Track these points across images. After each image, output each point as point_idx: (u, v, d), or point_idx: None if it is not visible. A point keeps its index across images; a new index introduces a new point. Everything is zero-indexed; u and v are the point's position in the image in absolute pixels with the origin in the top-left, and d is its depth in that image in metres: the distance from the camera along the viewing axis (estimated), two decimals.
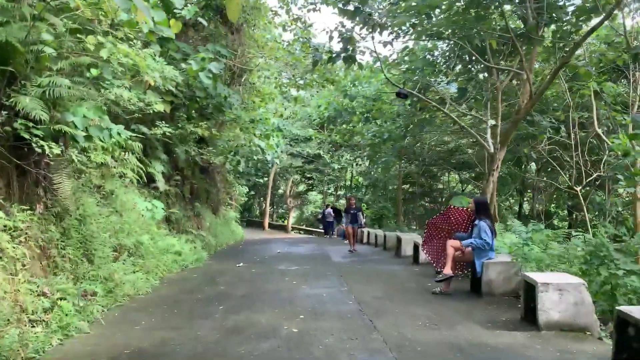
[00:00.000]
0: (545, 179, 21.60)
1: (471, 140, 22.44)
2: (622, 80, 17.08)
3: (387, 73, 18.27)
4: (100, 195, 8.71)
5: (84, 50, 6.63)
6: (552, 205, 25.23)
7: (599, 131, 15.31)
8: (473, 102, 15.40)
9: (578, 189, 16.08)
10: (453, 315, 5.79)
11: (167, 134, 11.74)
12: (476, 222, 6.80)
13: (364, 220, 14.82)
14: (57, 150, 6.03)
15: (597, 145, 17.21)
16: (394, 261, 11.29)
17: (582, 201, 16.20)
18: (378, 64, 16.92)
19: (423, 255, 10.00)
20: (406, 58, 16.28)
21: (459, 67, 17.27)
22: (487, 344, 4.75)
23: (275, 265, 11.09)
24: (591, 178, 16.40)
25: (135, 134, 10.58)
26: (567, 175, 16.52)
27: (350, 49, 12.98)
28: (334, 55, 12.66)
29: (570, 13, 13.98)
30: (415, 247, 10.44)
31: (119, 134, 8.06)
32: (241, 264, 11.28)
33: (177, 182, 13.97)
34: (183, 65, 9.73)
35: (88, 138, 6.68)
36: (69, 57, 6.56)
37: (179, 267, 10.45)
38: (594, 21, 14.77)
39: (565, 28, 14.03)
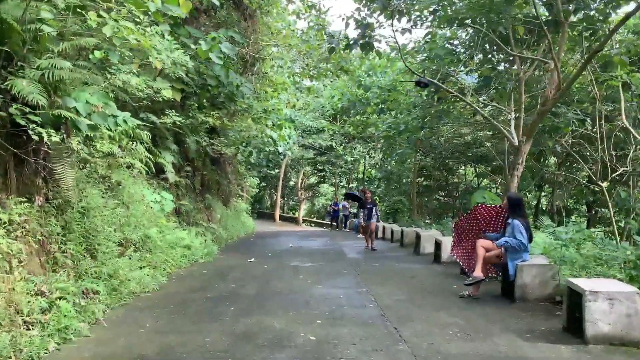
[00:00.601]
0: (566, 173, 20.90)
1: (489, 132, 21.80)
2: None
3: (405, 62, 17.69)
4: (106, 186, 8.28)
5: (88, 30, 6.16)
6: (570, 201, 24.53)
7: (627, 124, 14.66)
8: (493, 93, 14.74)
9: (603, 184, 15.46)
10: (486, 323, 5.28)
11: (178, 123, 11.33)
12: (509, 220, 6.26)
13: (378, 214, 13.73)
14: (56, 138, 5.58)
15: (624, 139, 16.53)
16: (413, 259, 10.77)
17: (607, 197, 15.57)
18: (395, 52, 16.32)
19: (445, 255, 9.49)
20: (425, 46, 15.66)
21: (479, 56, 16.63)
22: (529, 358, 4.25)
23: (288, 260, 10.63)
24: (617, 173, 15.76)
25: (143, 123, 10.19)
26: (592, 170, 15.87)
27: (368, 35, 12.40)
28: (351, 42, 12.08)
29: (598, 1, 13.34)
30: (437, 245, 9.90)
31: (125, 121, 7.60)
32: (252, 259, 10.84)
33: (187, 173, 13.54)
34: (193, 46, 9.20)
35: (91, 126, 6.21)
36: (72, 38, 6.11)
37: (189, 262, 10.03)
38: (625, 8, 14.12)
39: (592, 14, 13.35)
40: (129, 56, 8.07)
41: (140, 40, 5.81)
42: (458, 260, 7.27)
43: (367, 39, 12.51)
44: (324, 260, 10.65)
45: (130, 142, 9.53)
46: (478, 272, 6.23)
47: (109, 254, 6.98)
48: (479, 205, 7.22)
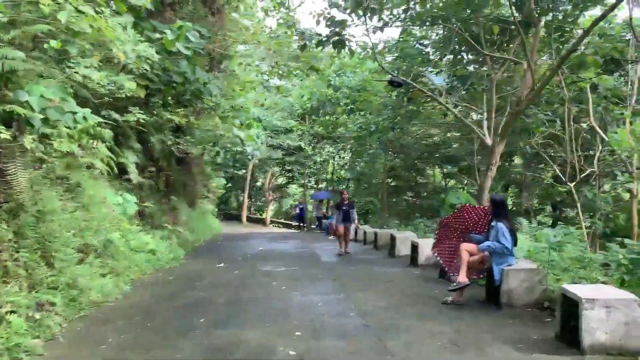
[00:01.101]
0: (533, 174, 21.09)
1: (457, 133, 21.83)
2: (615, 74, 16.61)
3: (376, 61, 17.47)
4: (64, 188, 7.69)
5: (44, 18, 5.63)
6: (535, 201, 24.80)
7: (594, 124, 14.78)
8: (464, 94, 14.68)
9: (572, 184, 15.57)
10: (475, 332, 5.00)
11: (141, 121, 10.79)
12: (493, 223, 6.01)
13: (356, 217, 12.69)
14: (6, 135, 5.06)
15: (590, 140, 16.73)
16: (389, 262, 10.48)
17: (576, 197, 15.70)
18: (365, 52, 16.09)
19: (423, 257, 9.23)
20: (397, 45, 15.46)
21: (449, 57, 16.57)
22: None
23: (260, 265, 10.19)
24: (585, 174, 15.91)
25: (105, 121, 9.61)
26: (561, 170, 15.96)
27: (340, 33, 12.10)
28: (323, 39, 11.75)
29: (566, 1, 13.37)
30: (413, 247, 9.63)
31: (85, 118, 7.06)
32: (222, 264, 10.36)
33: (151, 173, 12.96)
34: (158, 35, 8.69)
35: (47, 122, 5.69)
36: (24, 26, 5.57)
37: (154, 268, 9.50)
38: (592, 12, 14.23)
39: (561, 17, 13.40)
40: (89, 49, 7.55)
41: (102, 28, 5.28)
42: (439, 259, 7.00)
43: (339, 36, 12.21)
44: (298, 264, 10.26)
45: (91, 141, 8.98)
46: (462, 278, 5.96)
47: (67, 261, 6.43)
48: (467, 204, 6.96)
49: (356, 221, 12.72)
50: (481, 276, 6.51)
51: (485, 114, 13.15)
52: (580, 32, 14.89)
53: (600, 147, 16.12)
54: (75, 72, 7.33)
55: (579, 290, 4.46)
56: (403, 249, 10.78)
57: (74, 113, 7.15)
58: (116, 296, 6.96)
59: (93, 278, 6.94)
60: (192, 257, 11.80)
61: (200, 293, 7.22)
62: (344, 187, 31.41)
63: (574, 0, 13.15)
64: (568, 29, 14.28)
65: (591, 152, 16.51)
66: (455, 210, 7.08)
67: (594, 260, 6.96)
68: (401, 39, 15.17)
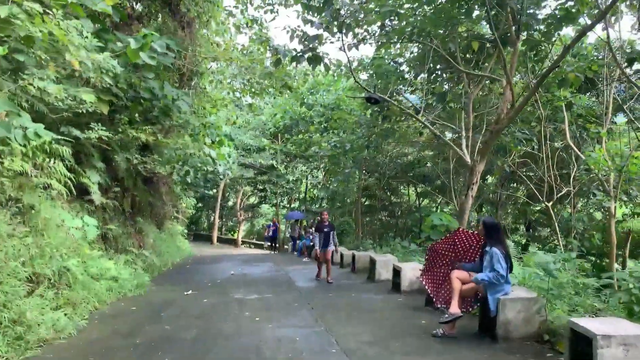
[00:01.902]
0: (508, 192, 20.98)
1: (430, 152, 21.62)
2: (588, 94, 16.66)
3: (352, 78, 17.15)
4: (15, 210, 6.98)
5: None
6: (509, 220, 24.72)
7: (571, 143, 14.69)
8: (441, 112, 14.42)
9: (549, 204, 15.40)
10: None
11: (105, 138, 10.12)
12: (487, 248, 5.56)
13: (337, 241, 11.61)
14: None
15: (564, 159, 16.67)
16: (369, 288, 9.88)
17: (553, 216, 15.53)
18: (342, 68, 15.73)
19: (406, 283, 8.69)
20: (374, 62, 15.15)
21: (422, 76, 16.38)
22: None
23: (231, 292, 9.53)
24: (562, 193, 15.78)
25: (64, 138, 8.96)
26: (537, 189, 15.80)
27: (315, 48, 11.70)
28: (298, 54, 11.31)
29: (542, 21, 13.31)
30: (396, 272, 9.10)
31: (37, 134, 6.42)
32: (190, 291, 9.66)
33: (116, 194, 12.23)
34: (120, 44, 8.10)
35: None
36: None
37: (115, 297, 8.77)
38: (566, 30, 14.23)
39: (536, 35, 13.31)
40: (45, 59, 6.93)
41: (53, 32, 4.69)
42: (427, 288, 6.48)
43: (314, 52, 11.81)
44: (272, 290, 9.63)
45: (48, 160, 8.30)
46: (455, 309, 5.46)
47: (13, 293, 5.73)
48: (460, 229, 6.44)
49: (337, 244, 11.69)
50: (475, 307, 6.01)
51: (463, 133, 12.85)
52: (554, 50, 14.93)
53: (575, 166, 16.08)
54: (30, 84, 6.69)
55: (592, 325, 4.01)
56: (384, 273, 10.26)
57: (25, 128, 6.51)
58: (70, 331, 6.24)
59: (44, 312, 6.22)
60: (159, 283, 11.06)
61: (165, 327, 6.55)
62: (317, 206, 30.87)
63: (548, 20, 13.09)
64: (543, 47, 14.23)
65: (564, 172, 16.46)
66: (447, 235, 6.59)
67: (587, 285, 6.58)
68: (376, 56, 14.87)
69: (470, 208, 20.49)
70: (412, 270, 8.73)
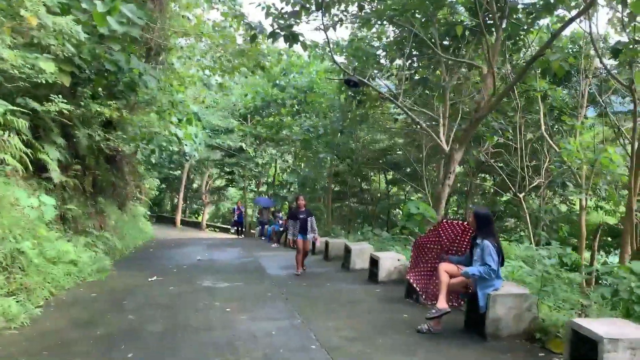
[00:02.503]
0: (478, 182, 21.03)
1: (401, 140, 21.41)
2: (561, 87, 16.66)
3: (326, 61, 16.69)
4: None
5: None
6: None
7: (545, 134, 14.65)
8: (418, 98, 14.12)
9: (521, 195, 15.38)
10: None
11: (65, 112, 9.41)
12: (478, 241, 5.24)
13: (316, 227, 10.31)
14: None
15: (538, 151, 16.68)
16: (344, 277, 9.45)
17: (525, 208, 15.53)
18: (317, 50, 15.24)
19: (383, 273, 8.36)
20: (351, 44, 14.71)
21: (398, 62, 16.05)
22: None
23: (199, 279, 9.03)
24: (534, 184, 15.79)
25: (20, 109, 8.29)
26: (510, 181, 15.77)
27: (293, 25, 11.19)
28: (276, 30, 10.77)
29: (520, 10, 13.13)
30: (373, 261, 8.72)
31: None
32: (154, 277, 9.12)
33: (76, 172, 11.47)
34: (84, 6, 7.43)
35: None
36: None
37: (74, 282, 8.18)
38: (544, 21, 14.08)
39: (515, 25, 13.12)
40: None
41: None
42: (415, 286, 6.15)
43: (291, 30, 11.31)
44: (243, 278, 9.17)
45: (2, 132, 7.64)
46: (442, 304, 5.14)
47: None
48: (445, 220, 6.10)
49: (316, 233, 10.30)
50: (462, 302, 5.72)
51: (440, 120, 12.58)
52: (531, 40, 14.80)
53: (547, 158, 16.10)
54: None
55: (596, 327, 3.73)
56: (359, 262, 9.91)
57: None
58: (23, 320, 5.67)
59: None
60: (121, 268, 10.46)
61: (129, 317, 6.04)
62: (285, 191, 30.36)
63: (527, 9, 12.91)
64: (521, 37, 14.08)
65: (535, 163, 16.48)
66: (431, 228, 6.25)
67: (572, 280, 6.38)
68: (355, 38, 14.43)
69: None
70: (390, 260, 8.42)
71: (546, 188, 16.72)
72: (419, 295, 6.55)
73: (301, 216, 10.11)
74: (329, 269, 10.60)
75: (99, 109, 11.16)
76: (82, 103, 11.03)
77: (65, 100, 9.45)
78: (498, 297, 5.04)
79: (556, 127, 16.88)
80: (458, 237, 5.92)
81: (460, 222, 5.91)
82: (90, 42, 10.12)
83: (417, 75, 13.46)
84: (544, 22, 14.31)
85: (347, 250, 10.25)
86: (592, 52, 13.87)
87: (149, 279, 8.96)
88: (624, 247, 11.55)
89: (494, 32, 11.94)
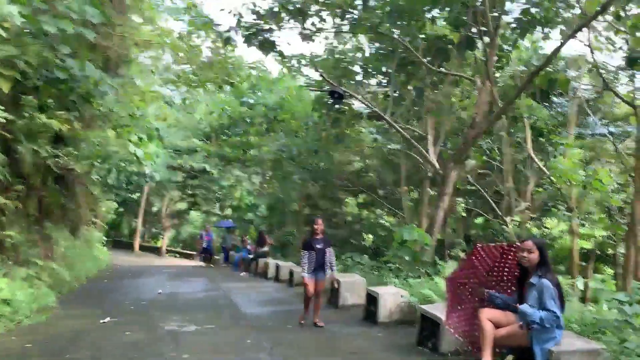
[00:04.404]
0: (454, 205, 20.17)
1: (375, 161, 20.45)
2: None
3: (299, 77, 15.68)
4: None
5: None
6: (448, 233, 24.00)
7: (532, 154, 13.89)
8: (405, 114, 13.17)
9: (508, 219, 14.54)
10: None
11: (3, 120, 8.00)
12: (534, 280, 4.11)
13: (334, 262, 7.66)
14: None
15: (521, 172, 15.96)
16: (335, 317, 7.98)
17: (511, 231, 14.63)
18: (293, 62, 14.15)
19: (384, 312, 7.08)
20: (333, 55, 13.70)
21: (373, 80, 15.21)
22: None
23: (160, 320, 7.59)
24: (521, 207, 14.98)
25: None
26: (496, 204, 14.92)
27: (270, 31, 10.09)
28: (251, 31, 9.64)
29: (505, 25, 12.47)
30: (371, 298, 7.41)
31: None
32: (107, 319, 7.62)
33: (18, 193, 9.90)
34: None
35: None
36: None
37: (4, 327, 6.65)
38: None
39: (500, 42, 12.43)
40: None
41: None
42: (458, 336, 4.86)
43: (268, 35, 10.21)
44: (213, 319, 7.74)
45: None
46: None
47: None
48: (478, 246, 4.83)
49: (334, 269, 7.64)
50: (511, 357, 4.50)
51: (430, 138, 11.61)
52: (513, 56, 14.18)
53: (532, 180, 15.36)
54: None
55: None
56: (349, 298, 8.63)
57: None
58: None
59: None
60: (68, 305, 8.90)
61: None
62: (252, 214, 28.78)
63: (513, 24, 12.26)
64: (506, 52, 13.43)
65: (517, 186, 15.74)
66: (463, 259, 5.06)
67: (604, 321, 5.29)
68: (334, 49, 13.44)
69: (415, 221, 19.49)
70: (391, 297, 7.18)
71: (534, 211, 15.96)
72: (436, 342, 5.36)
73: (318, 246, 7.34)
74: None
75: (46, 120, 9.73)
76: (27, 113, 9.60)
77: (4, 110, 8.07)
78: (563, 355, 3.88)
79: (537, 147, 16.23)
80: (497, 263, 4.72)
81: (497, 245, 4.72)
82: (37, 43, 8.81)
83: (397, 92, 12.46)
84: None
85: (333, 285, 8.93)
86: (576, 72, 13.37)
87: (101, 321, 7.47)
88: (626, 275, 10.78)
89: (484, 46, 11.18)
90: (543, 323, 3.88)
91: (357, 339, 6.36)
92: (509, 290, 4.64)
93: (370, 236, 25.70)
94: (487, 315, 4.17)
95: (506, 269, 4.69)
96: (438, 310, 5.69)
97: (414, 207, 19.73)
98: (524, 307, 4.00)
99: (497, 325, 4.13)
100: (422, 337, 5.80)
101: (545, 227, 20.77)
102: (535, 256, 4.15)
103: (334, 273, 7.62)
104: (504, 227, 19.70)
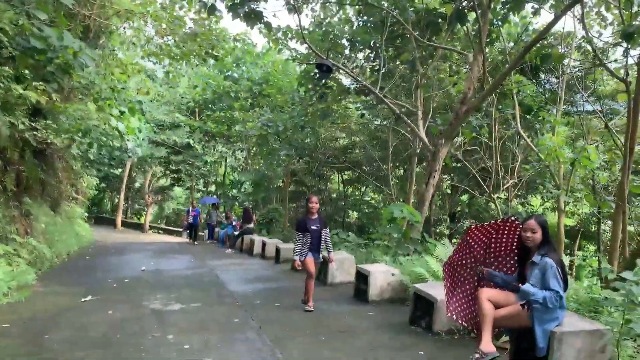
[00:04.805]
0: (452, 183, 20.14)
1: (361, 137, 20.24)
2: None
3: (284, 51, 15.30)
4: None
5: None
6: (434, 210, 24.01)
7: (521, 130, 13.78)
8: (397, 88, 12.94)
9: (495, 196, 14.49)
10: None
11: None
12: (536, 258, 3.96)
13: (330, 243, 7.21)
14: None
15: (510, 149, 15.87)
16: (324, 294, 7.71)
17: (499, 209, 14.62)
18: (279, 35, 13.76)
19: (375, 290, 6.96)
20: (322, 26, 13.34)
21: (360, 55, 14.86)
22: None
23: (144, 298, 7.40)
24: (507, 185, 14.93)
25: None
26: (484, 181, 14.83)
27: (256, 0, 9.71)
28: (235, 2, 9.23)
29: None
30: (361, 276, 7.27)
31: None
32: (89, 297, 7.40)
33: None
34: None
35: None
36: None
37: None
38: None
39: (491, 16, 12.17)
40: None
41: None
42: (461, 322, 4.58)
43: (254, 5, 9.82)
44: (199, 297, 7.57)
45: None
46: (488, 346, 3.83)
47: None
48: (474, 226, 4.67)
49: (331, 251, 7.29)
50: (509, 339, 4.37)
51: (419, 113, 11.39)
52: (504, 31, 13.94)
53: (518, 157, 15.28)
54: None
55: None
56: (338, 275, 8.51)
57: None
58: None
59: None
60: (48, 283, 8.65)
61: None
62: (236, 190, 28.49)
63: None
64: (496, 27, 13.19)
65: (504, 162, 15.66)
66: (459, 241, 4.86)
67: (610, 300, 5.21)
68: (323, 22, 13.07)
69: (400, 198, 19.40)
70: (382, 275, 7.04)
71: (520, 188, 15.93)
72: (430, 321, 5.25)
73: (313, 227, 6.82)
74: (300, 283, 8.99)
75: (22, 92, 9.34)
76: (2, 84, 9.21)
77: None
78: (565, 336, 3.77)
79: (524, 125, 16.13)
80: (493, 241, 4.56)
81: (489, 223, 4.57)
82: (12, 9, 8.39)
83: (402, 59, 12.09)
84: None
85: (323, 262, 8.78)
86: (566, 48, 13.20)
87: (82, 299, 7.25)
88: (612, 253, 10.78)
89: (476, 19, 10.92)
90: (546, 303, 3.75)
91: (348, 317, 6.24)
92: (505, 270, 4.50)
93: (355, 213, 25.65)
94: (487, 295, 4.03)
95: (502, 247, 4.54)
96: (432, 288, 5.58)
97: (399, 184, 19.65)
98: (527, 286, 3.87)
99: (497, 306, 3.99)
100: (415, 316, 5.68)
101: (530, 205, 20.86)
102: (538, 236, 4.00)
103: (331, 254, 7.27)
104: (491, 204, 19.81)
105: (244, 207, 20.55)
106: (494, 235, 4.53)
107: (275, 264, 11.78)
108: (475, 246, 4.59)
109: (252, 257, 13.92)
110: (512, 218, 4.45)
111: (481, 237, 4.56)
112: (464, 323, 4.52)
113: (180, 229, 28.78)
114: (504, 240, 4.49)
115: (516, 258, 4.38)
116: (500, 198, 16.81)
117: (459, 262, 4.66)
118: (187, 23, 15.03)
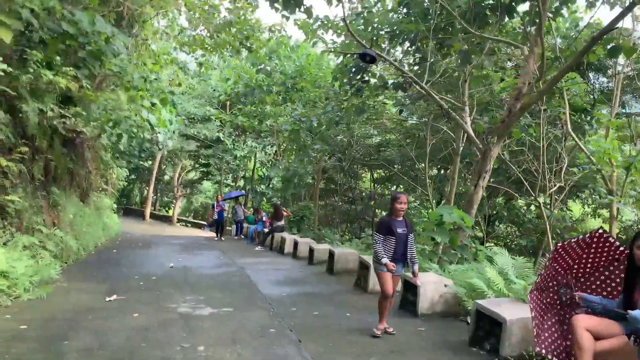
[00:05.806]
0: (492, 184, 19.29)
1: (395, 135, 19.52)
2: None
3: (319, 44, 14.68)
4: None
5: None
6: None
7: (571, 131, 12.91)
8: (443, 83, 12.22)
9: (540, 200, 13.66)
10: None
11: (1, 74, 7.27)
12: None
13: (415, 255, 5.86)
14: None
15: (557, 151, 14.99)
16: (365, 303, 7.07)
17: (544, 213, 13.75)
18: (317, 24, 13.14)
19: (426, 304, 6.26)
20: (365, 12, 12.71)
21: (398, 49, 14.16)
22: None
23: (172, 300, 6.88)
24: (555, 188, 14.06)
25: None
26: (529, 184, 14.00)
27: None
28: None
29: None
30: (408, 286, 6.63)
31: None
32: (114, 297, 6.92)
33: (22, 155, 9.21)
34: None
35: None
36: None
37: (2, 303, 5.98)
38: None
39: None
40: None
41: None
42: (550, 358, 3.79)
43: None
44: (230, 300, 7.01)
45: None
46: None
47: None
48: (562, 242, 3.92)
49: (416, 264, 5.83)
50: None
51: (467, 110, 10.65)
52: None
53: (565, 160, 14.40)
54: None
55: None
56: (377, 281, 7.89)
57: None
58: None
59: None
60: (72, 278, 8.25)
61: None
62: (265, 186, 28.01)
63: None
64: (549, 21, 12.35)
65: (552, 165, 14.81)
66: (546, 262, 4.10)
67: None
68: (364, 11, 12.42)
69: (436, 199, 18.61)
70: (433, 286, 6.37)
71: (568, 193, 15.05)
72: (496, 343, 4.58)
73: (400, 229, 5.63)
74: (338, 288, 8.42)
75: (52, 77, 8.96)
76: (32, 69, 8.85)
77: (7, 65, 7.33)
78: None
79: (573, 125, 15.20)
80: (584, 256, 3.83)
81: (577, 238, 3.85)
82: None
83: (452, 50, 11.34)
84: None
85: (364, 267, 8.13)
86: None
87: (106, 299, 6.78)
88: None
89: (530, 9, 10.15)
90: None
91: (398, 333, 5.52)
92: (605, 294, 3.80)
93: (384, 213, 24.92)
94: (585, 323, 3.35)
95: (594, 266, 3.82)
96: (497, 306, 4.86)
97: (434, 185, 18.87)
98: (637, 312, 3.19)
99: (597, 337, 3.32)
100: (476, 336, 4.99)
101: (569, 210, 19.88)
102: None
103: (416, 268, 5.78)
104: (532, 207, 18.89)
105: (274, 204, 20.04)
106: (585, 252, 3.81)
107: (308, 265, 11.17)
108: (560, 268, 3.87)
109: (283, 256, 13.37)
110: (600, 231, 3.76)
111: (566, 256, 3.84)
112: (554, 359, 3.78)
113: (206, 223, 28.50)
114: (597, 257, 3.79)
115: (618, 280, 3.68)
116: (547, 203, 15.92)
117: (546, 287, 3.94)
118: (222, 12, 14.60)
